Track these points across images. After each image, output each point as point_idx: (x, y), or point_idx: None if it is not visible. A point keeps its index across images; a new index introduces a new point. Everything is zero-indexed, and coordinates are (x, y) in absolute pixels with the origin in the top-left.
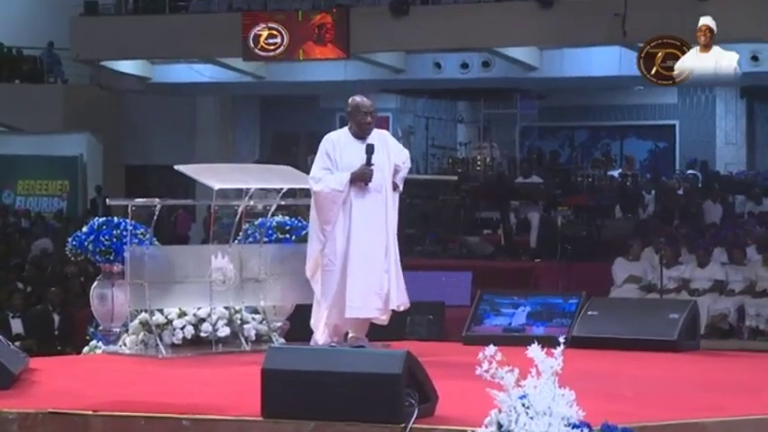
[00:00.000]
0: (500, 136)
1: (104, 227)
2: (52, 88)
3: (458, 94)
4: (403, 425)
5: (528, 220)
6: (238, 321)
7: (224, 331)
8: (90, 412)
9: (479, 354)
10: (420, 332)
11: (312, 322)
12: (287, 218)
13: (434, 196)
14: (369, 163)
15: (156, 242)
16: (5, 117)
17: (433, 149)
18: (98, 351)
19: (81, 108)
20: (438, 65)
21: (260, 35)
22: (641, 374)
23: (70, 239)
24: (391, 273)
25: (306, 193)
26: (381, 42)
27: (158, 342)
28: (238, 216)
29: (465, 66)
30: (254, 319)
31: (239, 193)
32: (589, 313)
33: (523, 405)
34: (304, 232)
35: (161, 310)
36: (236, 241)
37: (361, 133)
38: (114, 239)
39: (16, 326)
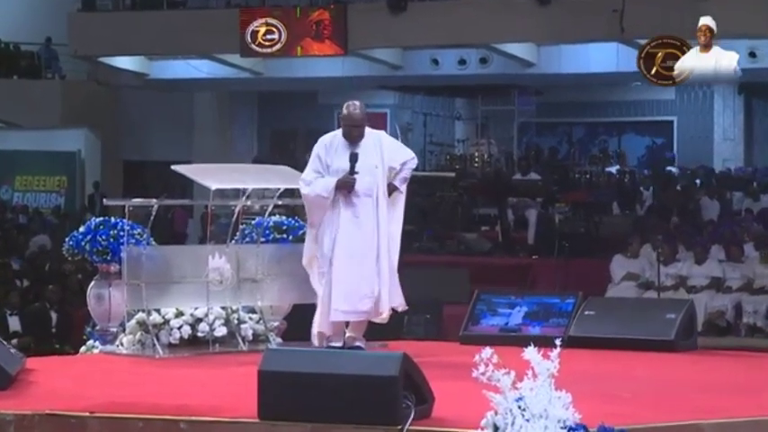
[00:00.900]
0: (498, 132)
1: (101, 227)
2: (50, 84)
3: (455, 91)
4: (400, 427)
5: (525, 216)
6: (235, 321)
7: (221, 331)
8: (87, 414)
9: (476, 356)
10: (417, 331)
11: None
12: (284, 218)
13: (432, 193)
14: (351, 172)
15: (153, 242)
16: (3, 113)
17: (430, 146)
18: (95, 351)
19: (78, 104)
20: (435, 61)
21: (257, 31)
22: (638, 375)
23: (67, 239)
24: (383, 275)
25: None
26: (379, 39)
27: (155, 342)
28: (235, 216)
29: (462, 62)
30: (251, 318)
31: (236, 193)
32: (586, 313)
33: (520, 407)
34: (301, 232)
35: (158, 310)
36: (234, 241)
37: (350, 140)
38: (111, 240)
39: (14, 323)
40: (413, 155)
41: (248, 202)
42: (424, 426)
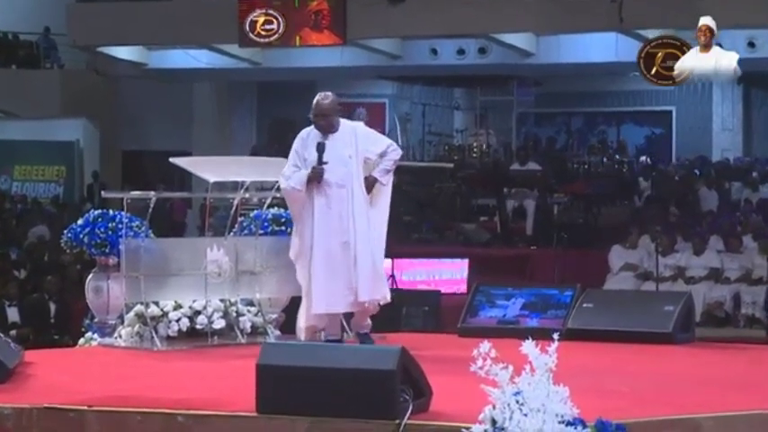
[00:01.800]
0: (496, 123)
1: (100, 219)
2: (49, 74)
3: (454, 81)
4: (397, 421)
5: (524, 207)
6: (234, 314)
7: (219, 323)
8: (85, 407)
9: (474, 350)
10: (416, 323)
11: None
12: (282, 210)
13: (431, 183)
14: (320, 162)
15: (152, 235)
16: (1, 102)
17: (429, 136)
18: (93, 343)
19: (77, 94)
20: (434, 51)
21: (256, 21)
22: (636, 369)
23: (65, 232)
24: (361, 266)
25: None
26: (378, 28)
27: (154, 334)
28: (234, 208)
29: (461, 52)
30: (249, 311)
31: (235, 186)
32: (584, 305)
33: (517, 402)
34: None
35: (156, 303)
36: (232, 233)
37: (320, 130)
38: (110, 232)
39: (12, 314)
40: (391, 143)
41: (247, 195)
42: (421, 420)
